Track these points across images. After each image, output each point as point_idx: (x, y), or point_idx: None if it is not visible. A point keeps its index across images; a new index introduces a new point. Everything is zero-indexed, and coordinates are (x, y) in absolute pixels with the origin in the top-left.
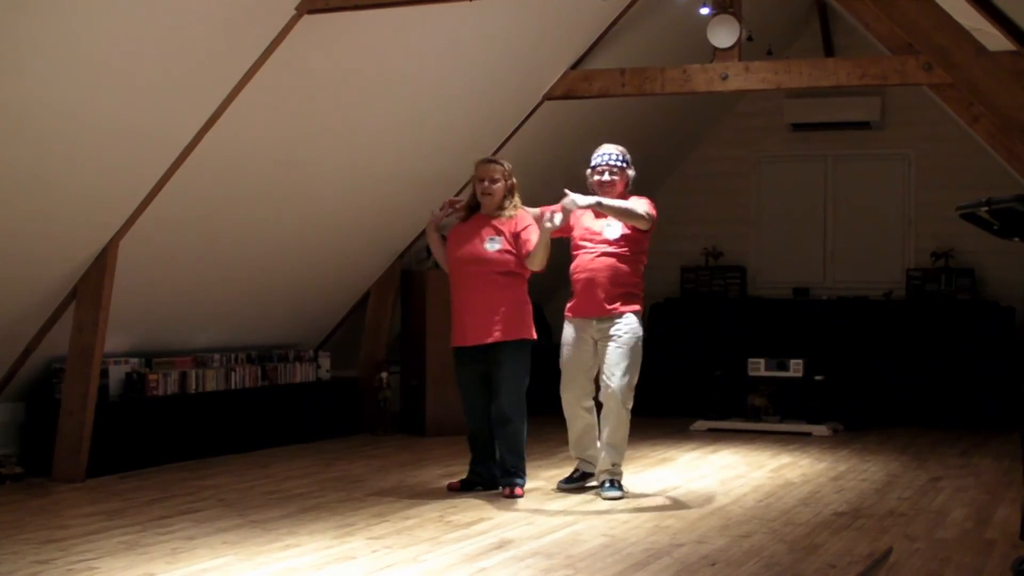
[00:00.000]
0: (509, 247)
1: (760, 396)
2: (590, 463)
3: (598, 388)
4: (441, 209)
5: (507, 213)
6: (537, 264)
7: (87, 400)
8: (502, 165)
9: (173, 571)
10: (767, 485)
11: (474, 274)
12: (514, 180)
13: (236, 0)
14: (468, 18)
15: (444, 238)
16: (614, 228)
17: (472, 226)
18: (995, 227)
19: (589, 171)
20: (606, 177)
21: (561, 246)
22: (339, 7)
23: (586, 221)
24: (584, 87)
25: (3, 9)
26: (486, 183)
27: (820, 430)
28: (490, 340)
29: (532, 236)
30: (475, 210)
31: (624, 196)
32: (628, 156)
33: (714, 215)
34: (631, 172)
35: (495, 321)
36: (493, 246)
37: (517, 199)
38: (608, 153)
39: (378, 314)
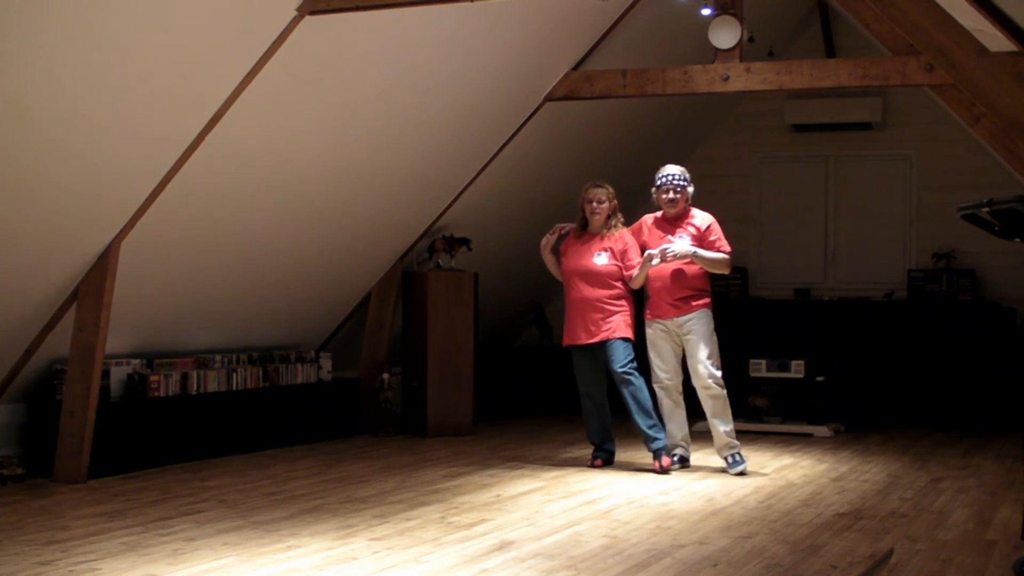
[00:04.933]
0: (615, 260)
1: (761, 397)
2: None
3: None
4: (552, 233)
5: (613, 231)
6: (636, 285)
7: (88, 401)
8: (606, 188)
9: (175, 572)
10: (768, 486)
11: (583, 283)
12: (616, 201)
13: (238, 1)
14: (469, 19)
15: (557, 255)
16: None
17: (583, 242)
18: (996, 228)
19: (654, 189)
20: (671, 195)
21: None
22: (340, 8)
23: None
24: (586, 88)
25: (6, 11)
26: (594, 204)
27: (821, 431)
28: (596, 340)
29: (633, 257)
30: (584, 228)
31: (686, 211)
32: (688, 175)
33: (715, 216)
34: (691, 189)
35: (600, 324)
36: (601, 260)
37: (620, 217)
38: (671, 174)
39: (379, 315)
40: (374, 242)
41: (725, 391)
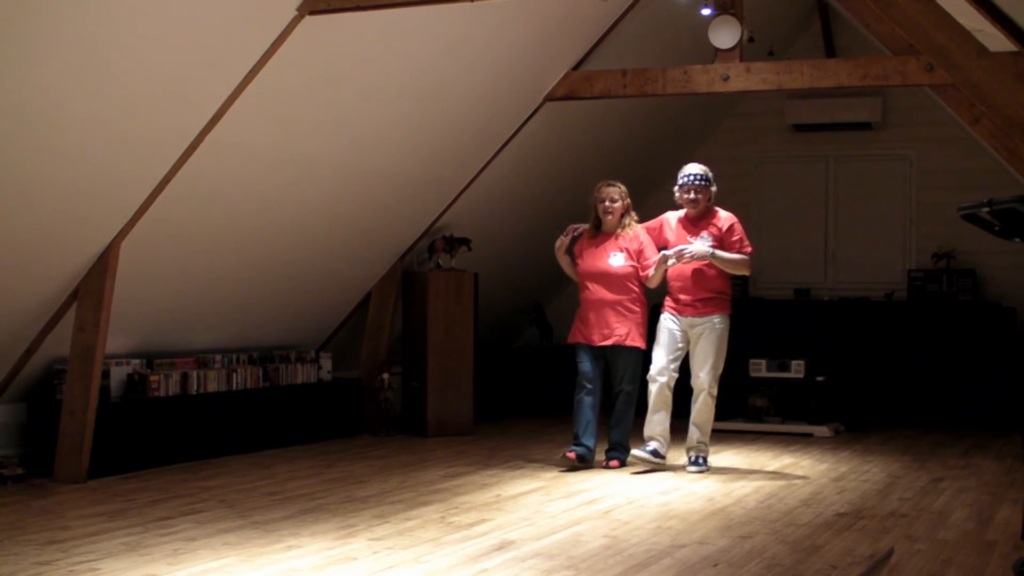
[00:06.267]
0: (631, 261)
1: (761, 397)
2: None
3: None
4: (566, 235)
5: (628, 230)
6: (653, 285)
7: (88, 401)
8: (619, 187)
9: (175, 572)
10: (768, 486)
11: (599, 285)
12: (629, 200)
13: (238, 1)
14: (469, 19)
15: (572, 256)
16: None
17: (598, 242)
18: (996, 228)
19: (676, 189)
20: (692, 195)
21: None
22: (340, 8)
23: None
24: (586, 88)
25: (7, 11)
26: (607, 203)
27: (821, 431)
28: (609, 343)
29: (650, 256)
30: (598, 228)
31: (709, 210)
32: (710, 174)
33: None
34: (713, 189)
35: (614, 328)
36: (616, 261)
37: (634, 215)
38: (693, 174)
39: (379, 315)
40: (374, 242)
41: (713, 405)
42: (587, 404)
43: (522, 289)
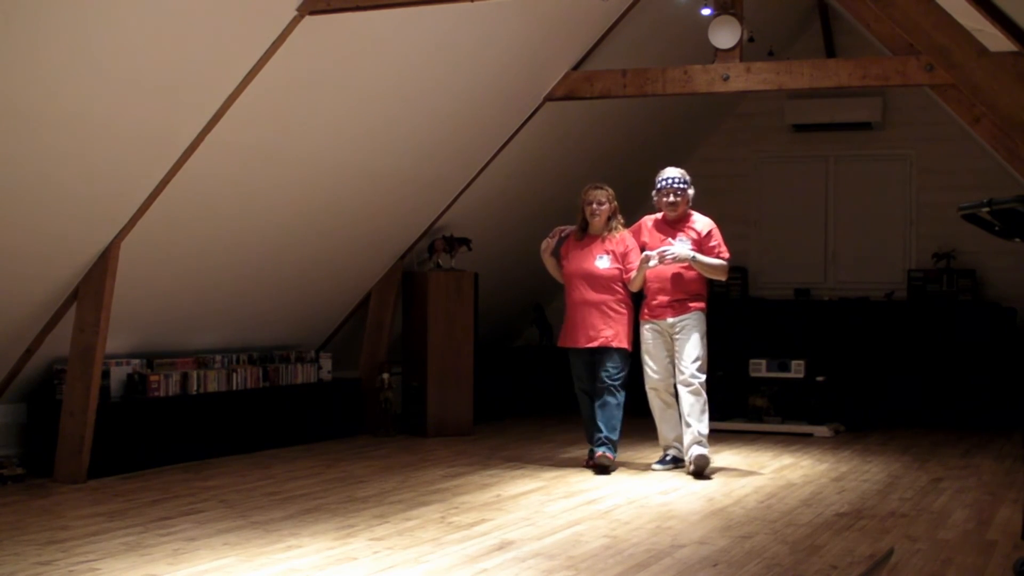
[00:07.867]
0: (616, 264)
1: (761, 397)
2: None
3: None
4: (552, 236)
5: (614, 233)
6: (635, 288)
7: (88, 401)
8: (606, 190)
9: (175, 572)
10: (768, 486)
11: (585, 286)
12: (616, 203)
13: (238, 1)
14: (469, 19)
15: (557, 258)
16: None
17: (584, 244)
18: (996, 228)
19: (655, 193)
20: (671, 199)
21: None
22: (340, 8)
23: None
24: (586, 88)
25: (7, 11)
26: (594, 205)
27: (821, 431)
28: (595, 345)
29: (634, 260)
30: (585, 230)
31: (687, 214)
32: (688, 177)
33: (715, 216)
34: (691, 192)
35: (600, 330)
36: (602, 263)
37: (620, 218)
38: (672, 177)
39: (379, 315)
40: (374, 242)
41: (705, 396)
42: (590, 407)
43: (522, 289)
